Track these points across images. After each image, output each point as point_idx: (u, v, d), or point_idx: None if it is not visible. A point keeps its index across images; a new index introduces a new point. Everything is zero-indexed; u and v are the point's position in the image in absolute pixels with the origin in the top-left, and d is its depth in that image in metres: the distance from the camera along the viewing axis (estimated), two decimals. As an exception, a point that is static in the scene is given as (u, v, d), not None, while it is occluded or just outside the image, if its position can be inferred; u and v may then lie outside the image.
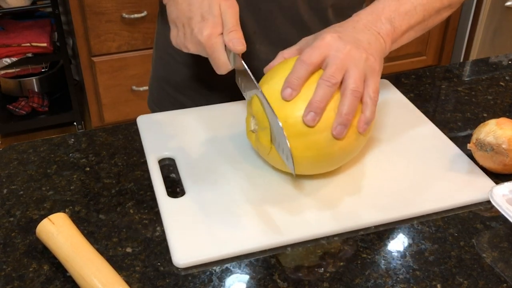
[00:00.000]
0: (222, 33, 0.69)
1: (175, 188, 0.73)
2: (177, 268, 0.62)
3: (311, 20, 0.89)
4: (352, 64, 0.66)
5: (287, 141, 0.63)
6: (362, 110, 0.67)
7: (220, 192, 0.71)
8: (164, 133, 0.81)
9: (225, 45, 0.68)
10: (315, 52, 0.67)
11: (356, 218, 0.68)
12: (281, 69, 0.69)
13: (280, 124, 0.64)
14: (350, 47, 0.67)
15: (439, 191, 0.72)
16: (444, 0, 0.78)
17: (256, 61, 0.86)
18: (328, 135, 0.65)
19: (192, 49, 0.71)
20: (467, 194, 0.72)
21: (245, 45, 0.68)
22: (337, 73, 0.66)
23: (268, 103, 0.65)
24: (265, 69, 0.73)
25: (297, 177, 0.73)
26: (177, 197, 0.70)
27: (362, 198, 0.71)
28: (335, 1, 0.88)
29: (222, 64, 0.69)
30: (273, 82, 0.68)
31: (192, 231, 0.65)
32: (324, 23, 0.88)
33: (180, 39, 0.71)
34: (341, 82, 0.66)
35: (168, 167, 0.76)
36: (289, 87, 0.66)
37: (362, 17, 0.73)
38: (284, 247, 0.65)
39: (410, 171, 0.75)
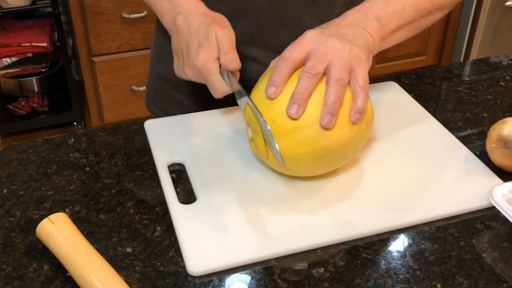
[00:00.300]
0: (217, 58, 0.70)
1: (185, 193, 0.72)
2: (177, 268, 0.62)
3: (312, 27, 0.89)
4: (335, 55, 0.66)
5: (274, 138, 0.64)
6: (353, 100, 0.66)
7: (230, 198, 0.70)
8: (172, 138, 0.80)
9: (221, 70, 0.70)
10: (296, 49, 0.67)
11: (364, 228, 0.67)
12: (269, 74, 0.69)
13: (263, 118, 0.65)
14: (332, 40, 0.67)
15: (447, 195, 0.71)
16: (435, 1, 0.77)
17: (255, 65, 0.86)
18: (318, 128, 0.65)
19: (190, 74, 0.73)
20: (480, 198, 0.71)
21: (240, 64, 0.70)
22: (318, 64, 0.65)
23: (254, 105, 0.66)
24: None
25: (304, 180, 0.73)
26: (186, 203, 0.69)
27: (368, 203, 0.70)
28: (340, 12, 0.88)
29: (218, 87, 0.71)
30: (260, 86, 0.69)
31: (205, 239, 0.64)
32: None
33: (180, 67, 0.74)
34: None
35: (178, 172, 0.76)
36: (272, 85, 0.66)
37: (348, 15, 0.73)
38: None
39: (415, 172, 0.75)
